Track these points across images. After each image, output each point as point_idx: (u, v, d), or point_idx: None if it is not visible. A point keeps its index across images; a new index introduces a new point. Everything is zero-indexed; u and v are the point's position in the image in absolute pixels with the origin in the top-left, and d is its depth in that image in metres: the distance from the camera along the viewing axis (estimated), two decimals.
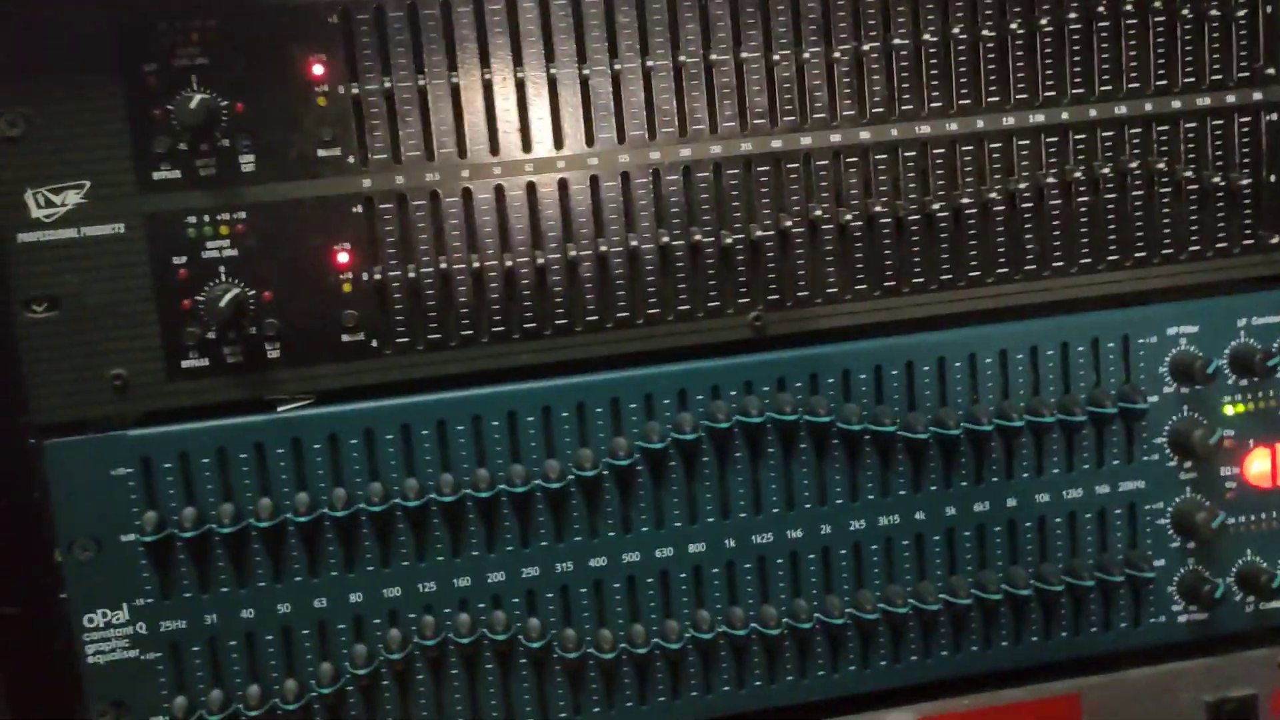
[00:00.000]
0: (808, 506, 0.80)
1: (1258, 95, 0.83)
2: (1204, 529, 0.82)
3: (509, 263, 0.76)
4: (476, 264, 0.75)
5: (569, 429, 0.77)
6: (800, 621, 0.80)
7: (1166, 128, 0.82)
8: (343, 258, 0.74)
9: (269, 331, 0.74)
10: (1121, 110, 0.81)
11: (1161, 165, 0.82)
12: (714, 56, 0.76)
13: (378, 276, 0.75)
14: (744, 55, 0.77)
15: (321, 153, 0.73)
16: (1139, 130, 0.82)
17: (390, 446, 0.75)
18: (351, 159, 0.74)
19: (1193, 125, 0.82)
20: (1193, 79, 0.82)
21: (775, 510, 0.80)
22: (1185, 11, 0.81)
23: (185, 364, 0.74)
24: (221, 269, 0.73)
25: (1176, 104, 0.82)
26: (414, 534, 0.76)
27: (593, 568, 0.79)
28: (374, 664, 0.76)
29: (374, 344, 0.75)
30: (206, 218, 0.73)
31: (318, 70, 0.73)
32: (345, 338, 0.75)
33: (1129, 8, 0.80)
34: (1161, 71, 0.82)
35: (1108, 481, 0.84)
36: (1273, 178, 0.83)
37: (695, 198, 0.78)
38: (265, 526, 0.73)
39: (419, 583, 0.76)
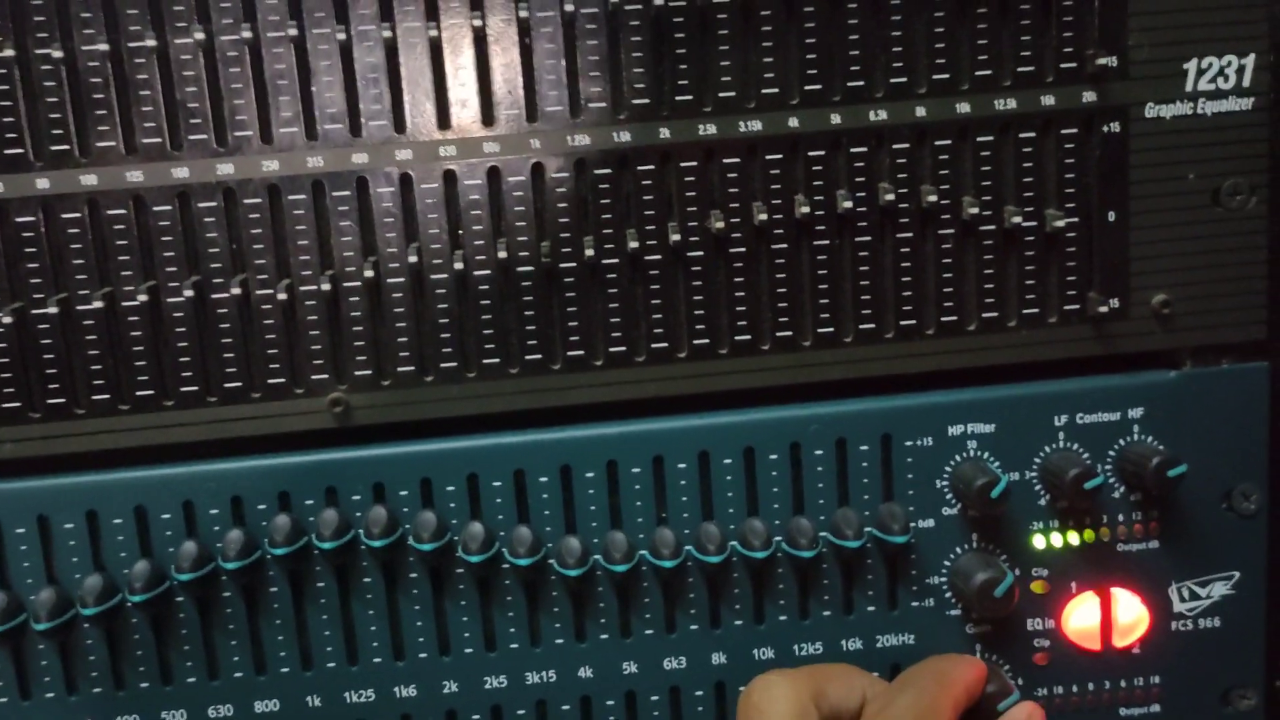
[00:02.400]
0: (423, 656, 0.59)
1: (1089, 96, 0.57)
2: (988, 711, 0.59)
3: None
4: None
5: (75, 544, 0.57)
6: None
7: (948, 142, 0.57)
8: None
9: None
10: (880, 116, 0.56)
11: (935, 197, 0.57)
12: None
13: None
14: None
15: None
16: (906, 145, 0.57)
17: None
18: None
19: (987, 139, 0.57)
20: (989, 72, 0.57)
21: (377, 660, 0.59)
22: None
23: None
24: None
25: (964, 107, 0.57)
26: None
27: None
28: None
29: None
30: None
31: None
32: None
33: None
34: (941, 62, 0.56)
35: (860, 634, 0.60)
36: (1110, 215, 0.58)
37: (242, 232, 0.56)
38: None
39: None
